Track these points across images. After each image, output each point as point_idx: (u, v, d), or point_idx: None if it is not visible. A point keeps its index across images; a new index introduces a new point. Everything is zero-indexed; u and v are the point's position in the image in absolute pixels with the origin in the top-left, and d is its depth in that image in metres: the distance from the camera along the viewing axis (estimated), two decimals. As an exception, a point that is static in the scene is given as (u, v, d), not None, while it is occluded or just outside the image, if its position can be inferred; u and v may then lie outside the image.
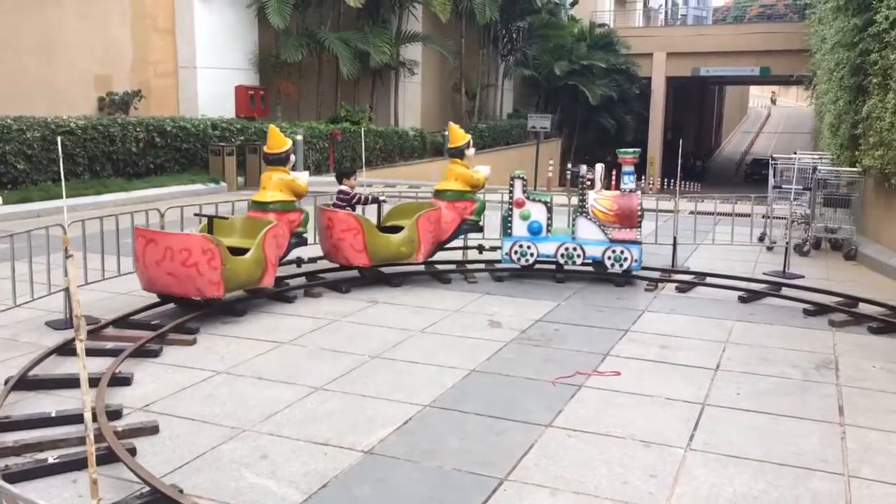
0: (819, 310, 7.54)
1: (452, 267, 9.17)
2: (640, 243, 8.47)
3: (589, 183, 8.83)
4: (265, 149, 8.40)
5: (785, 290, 8.35)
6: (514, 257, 8.75)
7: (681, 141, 11.70)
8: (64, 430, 4.41)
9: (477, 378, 5.59)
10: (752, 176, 41.16)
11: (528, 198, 8.72)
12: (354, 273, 8.77)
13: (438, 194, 9.00)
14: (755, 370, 5.84)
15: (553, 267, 8.95)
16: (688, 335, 6.76)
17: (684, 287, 8.51)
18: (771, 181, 12.04)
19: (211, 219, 7.58)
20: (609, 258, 8.49)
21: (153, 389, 5.22)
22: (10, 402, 4.81)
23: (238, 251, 7.09)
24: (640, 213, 8.50)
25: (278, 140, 8.16)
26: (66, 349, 5.70)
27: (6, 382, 5.03)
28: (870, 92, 10.44)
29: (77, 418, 4.39)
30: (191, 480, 3.95)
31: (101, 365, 5.44)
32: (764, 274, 9.29)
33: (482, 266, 9.20)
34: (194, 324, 6.63)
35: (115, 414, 4.67)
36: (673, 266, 9.45)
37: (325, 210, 8.31)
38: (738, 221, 11.61)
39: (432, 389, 5.29)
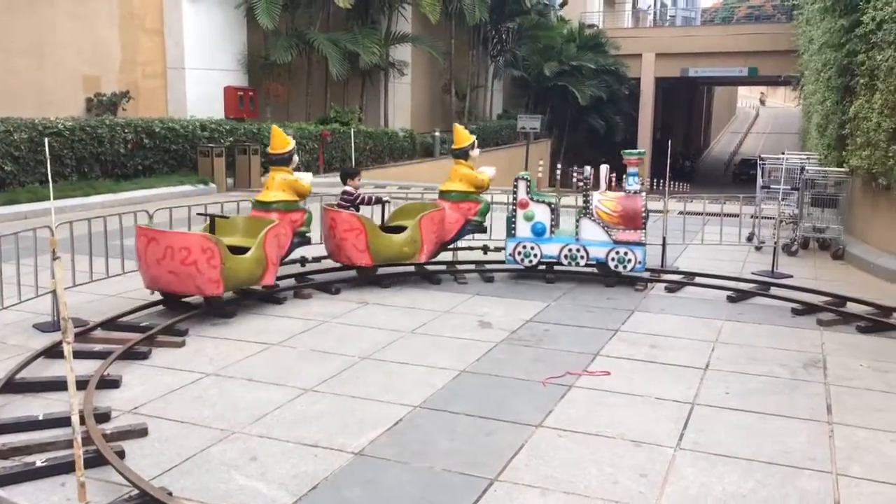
0: (807, 309, 7.58)
1: (443, 268, 9.17)
2: (643, 244, 8.47)
3: (582, 184, 8.85)
4: (269, 149, 8.48)
5: (773, 290, 8.39)
6: (518, 258, 8.76)
7: (669, 141, 11.75)
8: (52, 434, 4.38)
9: (467, 379, 5.59)
10: (739, 176, 41.37)
11: (532, 199, 8.72)
12: (344, 274, 8.78)
13: (443, 195, 9.03)
14: (744, 369, 5.87)
15: (542, 267, 8.96)
16: (677, 335, 6.79)
17: (674, 287, 8.54)
18: (759, 181, 12.10)
19: (213, 218, 7.63)
20: (613, 259, 8.48)
21: (142, 392, 5.20)
22: (-3, 405, 4.78)
23: (240, 250, 7.16)
24: (644, 214, 8.49)
25: (281, 140, 8.23)
26: (53, 351, 5.66)
27: (-7, 385, 5.00)
28: (857, 92, 10.50)
29: (65, 421, 4.36)
30: (180, 483, 3.94)
31: (89, 367, 5.40)
32: (752, 274, 9.34)
33: (472, 266, 9.21)
34: (183, 325, 6.61)
35: (103, 416, 4.65)
36: (662, 266, 9.48)
37: (329, 210, 8.34)
38: (727, 221, 11.67)
39: (422, 390, 5.29)
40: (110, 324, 6.53)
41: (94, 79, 19.78)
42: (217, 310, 7.07)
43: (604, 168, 9.09)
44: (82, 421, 4.24)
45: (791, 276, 9.26)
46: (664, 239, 9.74)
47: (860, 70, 10.26)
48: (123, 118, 17.84)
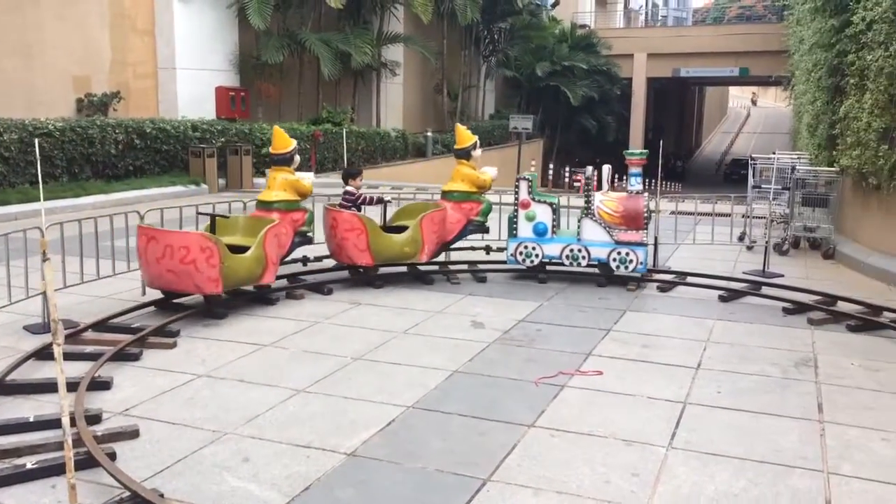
0: (798, 308, 7.61)
1: (435, 268, 9.17)
2: (645, 245, 8.46)
3: (582, 184, 8.87)
4: (270, 149, 8.55)
5: (765, 289, 8.43)
6: (520, 258, 8.77)
7: (661, 141, 11.78)
8: (42, 435, 4.37)
9: (460, 379, 5.59)
10: (731, 176, 41.50)
11: (533, 199, 8.72)
12: (336, 274, 8.78)
13: (445, 195, 9.05)
14: (736, 369, 5.89)
15: (532, 267, 8.97)
16: (669, 334, 6.80)
17: (665, 286, 8.56)
18: (750, 181, 12.14)
19: (213, 217, 7.69)
20: (614, 260, 8.48)
21: (133, 393, 5.18)
22: (-13, 407, 4.76)
23: (241, 249, 7.23)
24: (646, 214, 8.49)
25: (283, 141, 8.32)
26: (44, 353, 5.64)
27: (-17, 387, 4.97)
28: (847, 92, 10.55)
29: (55, 423, 4.34)
30: (171, 485, 3.92)
31: (80, 369, 5.38)
32: (744, 273, 9.37)
33: (465, 267, 9.21)
34: (175, 327, 6.59)
35: (94, 418, 4.63)
36: (654, 266, 9.50)
37: (330, 210, 8.38)
38: (719, 221, 11.70)
39: (415, 391, 5.29)
40: (101, 325, 6.50)
41: (84, 79, 19.69)
42: (217, 307, 7.13)
43: (606, 168, 9.10)
44: (73, 423, 4.22)
45: (782, 276, 9.29)
46: (656, 239, 9.76)
47: (850, 70, 10.31)
48: (114, 119, 17.76)
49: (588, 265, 8.65)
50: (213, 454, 4.29)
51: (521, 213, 8.72)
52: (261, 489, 3.91)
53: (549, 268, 8.87)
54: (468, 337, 6.62)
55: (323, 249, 8.88)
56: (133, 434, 4.46)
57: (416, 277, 8.81)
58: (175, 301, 7.36)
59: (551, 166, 35.70)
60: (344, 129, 19.65)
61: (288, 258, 8.49)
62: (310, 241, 8.58)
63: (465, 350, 6.22)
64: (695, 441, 4.54)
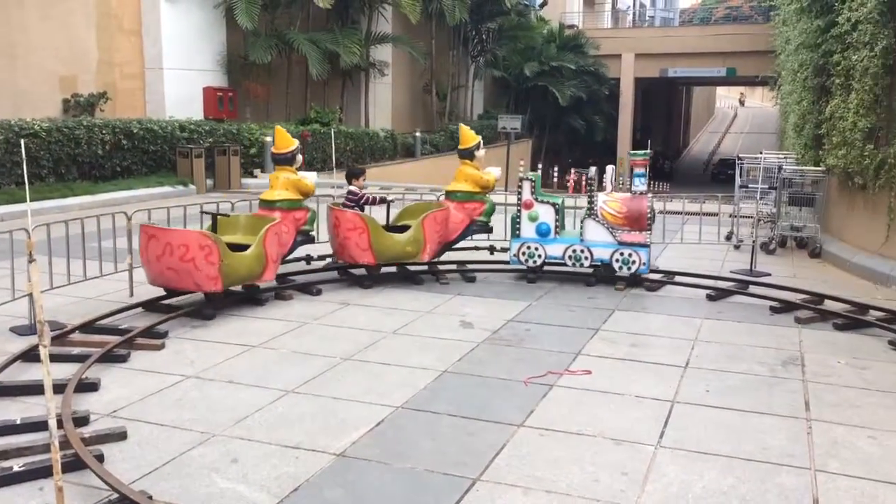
0: (785, 307, 7.66)
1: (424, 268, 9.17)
2: (648, 246, 8.45)
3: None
4: (272, 149, 8.64)
5: (752, 288, 8.48)
6: (522, 258, 8.77)
7: (649, 141, 11.82)
8: (29, 438, 4.34)
9: (449, 379, 5.59)
10: (718, 176, 41.65)
11: (536, 199, 8.72)
12: (326, 275, 8.77)
13: (449, 195, 9.06)
14: (724, 367, 5.92)
15: (524, 267, 8.99)
16: (657, 333, 6.83)
17: (654, 286, 8.59)
18: (738, 181, 12.21)
19: (215, 216, 7.76)
20: (617, 261, 8.47)
21: (121, 395, 5.15)
22: (-27, 409, 4.72)
23: (243, 248, 7.32)
24: (649, 215, 8.47)
25: (285, 140, 8.41)
26: (30, 355, 5.60)
27: (-31, 390, 4.93)
28: (832, 92, 10.62)
29: (42, 425, 4.31)
30: (160, 486, 3.91)
31: (67, 371, 5.35)
32: (731, 272, 9.41)
33: (454, 267, 9.21)
34: (163, 328, 6.56)
35: (81, 420, 4.60)
36: (642, 265, 9.53)
37: (333, 209, 8.43)
38: (706, 220, 11.76)
39: (404, 391, 5.28)
40: (88, 326, 6.46)
41: (70, 79, 19.56)
42: (217, 304, 7.20)
43: (609, 169, 9.11)
44: (60, 425, 4.20)
45: (769, 275, 9.35)
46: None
47: (836, 70, 10.38)
48: (101, 119, 17.65)
49: (591, 266, 8.64)
50: (202, 455, 4.27)
51: (524, 213, 8.73)
52: (250, 490, 3.90)
53: (542, 268, 8.87)
54: (457, 337, 6.62)
55: (326, 248, 8.93)
56: (121, 436, 4.44)
57: (405, 277, 8.81)
58: (163, 302, 7.34)
59: (540, 166, 35.68)
60: (332, 130, 19.63)
61: (290, 256, 8.55)
62: (312, 240, 8.66)
63: (454, 350, 6.22)
64: (683, 439, 4.56)
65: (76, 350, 5.89)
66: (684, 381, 5.58)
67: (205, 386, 5.36)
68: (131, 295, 7.74)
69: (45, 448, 4.04)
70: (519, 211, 8.77)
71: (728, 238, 11.70)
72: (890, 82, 9.37)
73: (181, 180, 17.84)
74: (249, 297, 7.66)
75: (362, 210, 8.60)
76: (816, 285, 8.69)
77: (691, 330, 6.96)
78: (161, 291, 7.57)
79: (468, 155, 9.05)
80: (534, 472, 4.13)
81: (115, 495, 3.69)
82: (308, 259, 9.26)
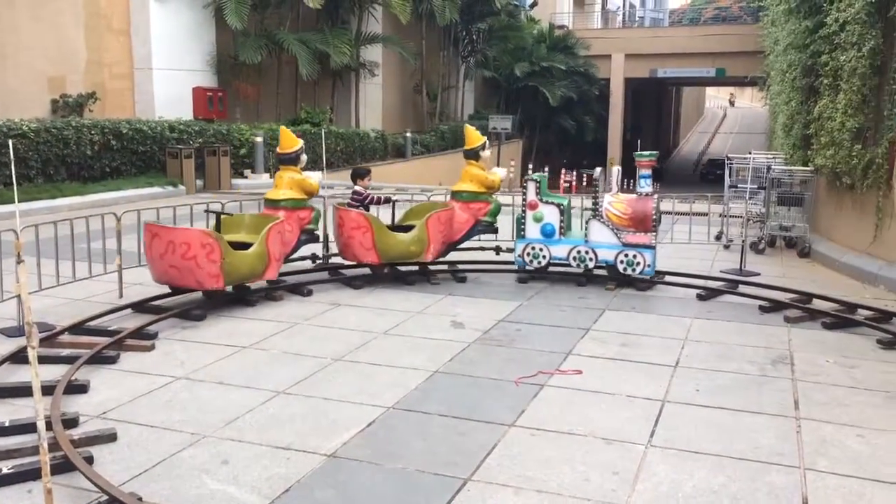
0: (774, 306, 7.70)
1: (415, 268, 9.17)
2: (653, 247, 8.43)
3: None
4: (277, 149, 8.70)
5: (742, 288, 8.51)
6: (527, 259, 8.77)
7: (639, 142, 11.85)
8: (18, 440, 4.32)
9: (440, 379, 5.59)
10: (707, 176, 41.79)
11: (541, 200, 8.72)
12: (316, 276, 8.76)
13: (454, 195, 9.08)
14: (714, 366, 5.94)
15: (515, 267, 9.00)
16: (648, 333, 6.85)
17: (644, 286, 8.61)
18: (727, 181, 12.26)
19: (218, 215, 7.85)
20: (622, 262, 8.45)
21: (111, 396, 5.13)
22: (-39, 412, 4.69)
23: (247, 246, 7.43)
24: (655, 217, 8.45)
25: (289, 140, 8.46)
26: (19, 357, 5.57)
27: (-43, 392, 4.90)
28: (821, 93, 10.68)
29: (31, 427, 4.29)
30: (150, 488, 3.89)
31: (56, 372, 5.33)
32: (721, 272, 9.45)
33: (445, 267, 9.22)
34: (153, 329, 6.53)
35: (71, 422, 4.58)
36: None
37: (338, 209, 8.48)
38: (696, 220, 11.80)
39: (395, 391, 5.28)
40: (78, 328, 6.43)
41: (59, 80, 19.45)
42: (219, 301, 7.32)
43: (615, 170, 9.10)
44: (49, 427, 4.18)
45: (759, 274, 9.39)
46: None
47: (824, 71, 10.44)
48: (90, 119, 17.56)
49: (596, 267, 8.63)
50: (192, 457, 4.26)
51: (529, 213, 8.73)
52: (240, 491, 3.89)
53: (547, 269, 8.84)
54: (448, 337, 6.63)
55: (332, 248, 8.98)
56: (111, 437, 4.42)
57: (395, 278, 8.80)
58: (153, 303, 7.31)
59: (531, 166, 35.74)
60: (323, 130, 19.57)
61: (293, 256, 8.59)
62: (316, 239, 8.72)
63: (445, 350, 6.23)
64: (674, 439, 4.58)
65: (65, 352, 5.86)
66: (675, 381, 5.60)
67: (195, 387, 5.35)
68: (121, 296, 7.71)
69: (34, 450, 4.02)
70: (524, 211, 8.77)
71: (718, 238, 11.75)
72: (878, 83, 9.43)
73: (171, 181, 17.77)
74: (240, 297, 7.64)
75: (367, 210, 8.64)
76: (805, 285, 8.74)
77: (681, 329, 6.98)
78: (150, 292, 7.56)
79: (473, 155, 9.07)
80: (525, 471, 4.14)
81: (105, 497, 3.67)
82: (314, 258, 9.33)
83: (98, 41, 20.51)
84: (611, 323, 7.17)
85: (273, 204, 8.28)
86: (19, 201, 7.93)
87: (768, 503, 3.85)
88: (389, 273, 8.87)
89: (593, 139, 39.14)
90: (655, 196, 8.62)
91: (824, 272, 9.88)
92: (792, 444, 4.53)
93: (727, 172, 12.30)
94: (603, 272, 8.71)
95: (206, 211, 8.25)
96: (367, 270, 8.89)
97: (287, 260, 8.40)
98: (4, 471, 3.92)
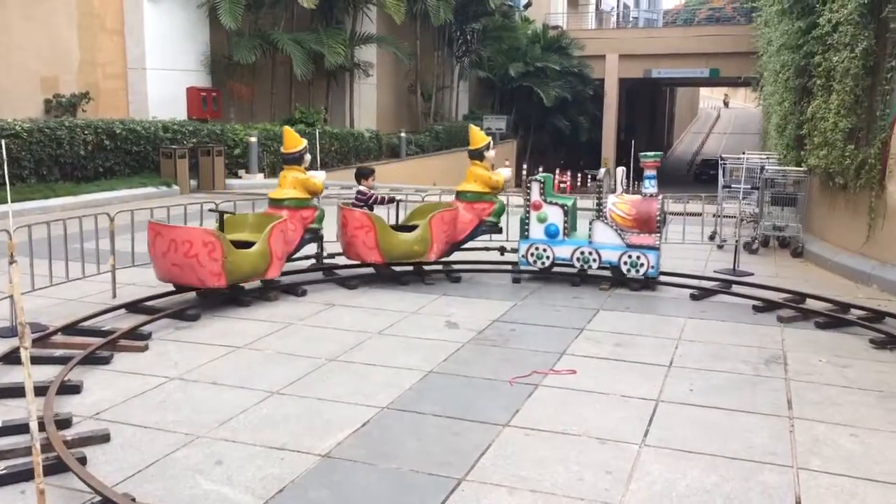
0: (768, 306, 7.72)
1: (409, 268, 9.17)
2: (657, 248, 8.40)
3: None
4: (282, 149, 8.76)
5: (735, 288, 8.53)
6: (531, 260, 8.76)
7: (633, 142, 11.87)
8: (11, 441, 4.30)
9: (434, 379, 5.59)
10: (701, 176, 41.88)
11: (545, 200, 8.71)
12: (311, 276, 8.75)
13: (459, 195, 9.08)
14: (707, 366, 5.95)
15: (509, 267, 9.00)
16: (642, 333, 6.86)
17: (638, 286, 8.62)
18: (721, 181, 12.29)
19: (222, 214, 7.92)
20: (625, 263, 8.43)
21: (104, 397, 5.12)
22: (-47, 413, 4.67)
23: (249, 245, 7.53)
24: (659, 217, 8.42)
25: (293, 140, 8.50)
26: (12, 357, 5.54)
27: (-51, 393, 4.88)
28: (814, 93, 10.71)
29: (24, 428, 4.27)
30: (143, 488, 3.88)
31: (49, 373, 5.31)
32: (715, 272, 9.48)
33: (440, 267, 9.22)
34: (146, 329, 6.52)
35: (64, 423, 4.56)
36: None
37: (342, 208, 8.52)
38: (690, 220, 11.82)
39: (390, 391, 5.28)
40: (71, 328, 6.41)
41: (52, 79, 19.39)
42: (212, 302, 7.39)
43: (620, 170, 9.10)
44: (42, 427, 4.17)
45: (752, 274, 9.41)
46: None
47: (817, 71, 10.47)
48: (83, 119, 17.51)
49: (599, 268, 8.61)
50: (186, 457, 4.25)
51: (533, 214, 8.72)
52: (234, 492, 3.88)
53: (551, 270, 8.83)
54: (443, 337, 6.63)
55: (336, 247, 8.98)
56: (104, 438, 4.41)
57: (390, 278, 8.80)
58: (147, 303, 7.30)
59: (525, 166, 35.78)
60: (317, 130, 19.56)
61: (296, 255, 8.62)
62: (321, 239, 8.74)
63: (439, 350, 6.23)
64: (667, 438, 4.59)
65: (58, 352, 5.84)
66: (668, 381, 5.61)
67: (189, 387, 5.34)
68: (114, 296, 7.69)
69: (27, 451, 4.01)
70: (528, 212, 8.78)
71: (711, 238, 11.78)
72: (870, 83, 9.47)
73: (164, 181, 17.74)
74: (233, 297, 7.63)
75: (371, 209, 8.65)
76: (798, 284, 8.77)
77: (675, 329, 7.00)
78: (143, 292, 7.56)
79: (478, 155, 9.07)
80: (519, 471, 4.14)
81: (98, 498, 3.66)
82: (318, 256, 9.34)
83: (91, 41, 20.45)
84: (605, 323, 7.18)
85: (276, 203, 8.33)
86: (12, 201, 7.90)
87: (761, 502, 3.86)
88: (387, 273, 8.87)
89: (588, 139, 39.19)
90: (660, 197, 8.60)
91: (817, 272, 9.92)
92: (785, 444, 4.54)
93: (721, 173, 12.33)
94: (591, 271, 8.72)
95: (211, 210, 8.31)
96: (361, 270, 8.90)
97: (290, 259, 8.47)
98: (-3, 472, 3.91)
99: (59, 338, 6.20)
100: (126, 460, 4.20)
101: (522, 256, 8.81)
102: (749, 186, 11.43)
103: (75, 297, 7.69)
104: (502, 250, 9.77)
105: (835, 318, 7.23)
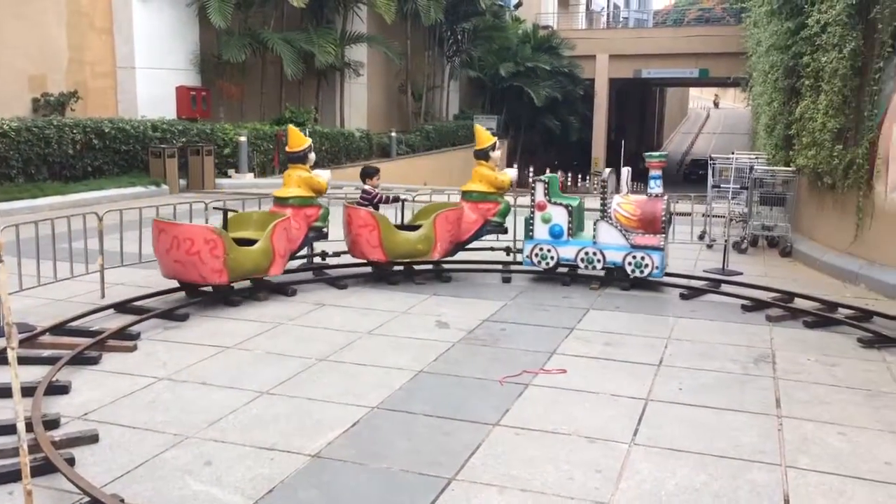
0: (757, 305, 7.76)
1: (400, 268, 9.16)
2: (662, 249, 8.37)
3: (601, 186, 8.84)
4: (286, 148, 8.83)
5: (724, 287, 8.57)
6: (535, 260, 8.76)
7: (623, 142, 11.90)
8: (-2, 442, 4.27)
9: (425, 379, 5.59)
10: (690, 176, 42.02)
11: (549, 201, 8.70)
12: (302, 276, 8.74)
13: (464, 195, 9.07)
14: (696, 365, 5.98)
15: (499, 266, 9.01)
16: (631, 332, 6.88)
17: (627, 285, 8.64)
18: (710, 181, 12.34)
19: (225, 212, 8.03)
20: (630, 264, 8.41)
21: (92, 397, 5.09)
22: (-60, 413, 4.64)
23: (253, 243, 7.59)
24: (664, 218, 8.39)
25: (298, 139, 8.59)
26: (-1, 358, 5.51)
27: (-64, 394, 4.85)
28: (802, 93, 10.76)
29: (11, 429, 4.23)
30: (132, 489, 3.87)
31: (37, 374, 5.28)
32: (704, 271, 9.51)
33: (430, 267, 9.21)
34: (135, 329, 6.49)
35: (52, 423, 4.54)
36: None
37: (347, 207, 8.58)
38: (679, 220, 11.86)
39: (380, 391, 5.28)
40: (59, 328, 6.37)
41: (40, 78, 19.28)
42: (224, 297, 7.50)
43: (625, 171, 9.10)
44: (30, 428, 4.15)
45: (741, 274, 9.45)
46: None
47: (805, 72, 10.52)
48: (72, 118, 17.41)
49: (603, 268, 8.61)
50: (175, 458, 4.24)
51: (538, 214, 8.71)
52: (224, 492, 3.87)
53: (556, 270, 8.84)
54: (433, 337, 6.62)
55: (341, 245, 9.02)
56: (92, 439, 4.39)
57: (380, 278, 8.79)
58: (135, 303, 7.27)
59: (515, 166, 35.84)
60: (307, 130, 19.51)
61: (299, 252, 8.67)
62: (324, 237, 8.77)
63: (430, 350, 6.22)
64: (657, 437, 4.60)
65: (46, 352, 5.81)
66: (658, 380, 5.63)
67: (178, 388, 5.32)
68: (103, 296, 7.65)
69: (14, 452, 3.98)
70: (532, 212, 8.78)
71: (701, 237, 11.82)
72: (858, 84, 9.52)
73: (154, 180, 17.66)
74: (222, 297, 7.61)
75: (377, 208, 8.67)
76: (787, 284, 8.81)
77: (665, 328, 7.02)
78: (132, 293, 7.54)
79: (483, 155, 9.05)
80: (509, 470, 4.14)
81: (87, 499, 3.64)
82: (323, 255, 9.34)
83: (80, 39, 20.34)
84: (595, 322, 7.20)
85: (281, 202, 8.42)
86: (0, 201, 7.85)
87: (750, 501, 3.88)
88: (373, 273, 8.86)
89: (578, 139, 39.26)
90: (665, 197, 8.57)
91: (806, 271, 9.97)
92: (773, 442, 4.56)
93: (710, 172, 12.38)
94: (583, 271, 8.74)
95: (216, 208, 8.37)
96: (351, 270, 8.91)
97: (294, 257, 8.57)
98: (-16, 473, 3.89)
99: (47, 338, 6.16)
100: (115, 461, 4.18)
101: (527, 257, 8.81)
102: (738, 186, 11.48)
103: (63, 297, 7.64)
104: (508, 250, 9.77)
105: (823, 318, 7.27)
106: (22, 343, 5.63)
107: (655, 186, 8.57)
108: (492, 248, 9.79)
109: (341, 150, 24.70)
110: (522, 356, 6.12)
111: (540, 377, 5.64)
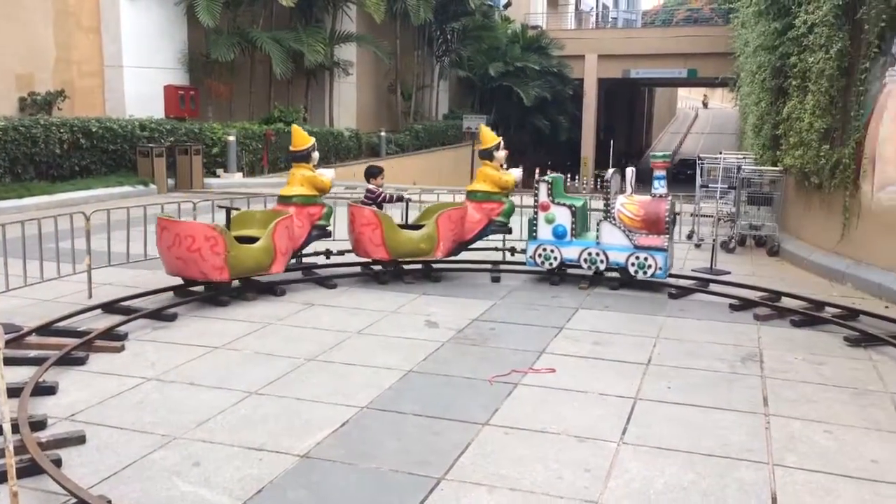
0: (744, 304, 7.79)
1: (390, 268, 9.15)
2: (665, 250, 8.34)
3: (604, 187, 8.85)
4: (290, 147, 8.85)
5: (712, 286, 8.61)
6: (538, 260, 8.75)
7: (612, 142, 11.93)
8: (-16, 443, 4.24)
9: (414, 378, 5.59)
10: (678, 175, 42.17)
11: (553, 201, 8.68)
12: (290, 275, 8.71)
13: (469, 195, 9.09)
14: (685, 364, 6.00)
15: (488, 266, 9.01)
16: (620, 331, 6.90)
17: (616, 285, 8.67)
18: (698, 180, 12.39)
19: (228, 210, 8.08)
20: (633, 265, 8.39)
21: (80, 398, 5.06)
22: (-75, 415, 4.60)
23: (256, 240, 7.77)
24: (668, 218, 8.38)
25: (301, 138, 8.61)
26: (-15, 359, 5.47)
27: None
28: (789, 94, 10.83)
29: (-2, 430, 4.22)
30: (119, 490, 3.85)
31: (24, 374, 5.24)
32: (692, 270, 9.55)
33: (419, 266, 9.21)
34: (122, 329, 6.45)
35: (38, 424, 4.51)
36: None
37: (351, 206, 8.62)
38: (668, 220, 11.88)
39: (369, 391, 5.27)
40: (45, 329, 6.33)
41: (27, 77, 19.14)
42: (223, 295, 7.56)
43: (630, 171, 9.11)
44: (16, 429, 4.11)
45: (729, 273, 9.50)
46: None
47: (793, 72, 10.58)
48: (59, 118, 17.30)
49: (607, 269, 8.59)
50: (163, 459, 4.22)
51: (541, 214, 8.70)
52: (212, 493, 3.86)
53: (558, 270, 8.84)
54: (422, 336, 6.62)
55: (345, 244, 9.04)
56: (79, 440, 4.37)
57: (370, 277, 8.78)
58: (123, 303, 7.23)
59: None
60: (296, 129, 19.41)
61: (302, 250, 8.69)
62: (328, 235, 8.79)
63: (419, 350, 6.22)
64: (645, 436, 4.62)
65: (33, 353, 5.77)
66: (646, 379, 5.65)
67: (166, 388, 5.29)
68: (90, 297, 7.61)
69: (0, 453, 3.96)
70: (536, 212, 8.78)
71: (689, 237, 11.87)
72: (845, 84, 9.58)
73: (142, 180, 17.57)
74: (211, 297, 7.58)
75: (380, 208, 8.69)
76: (774, 283, 8.86)
77: (653, 328, 7.04)
78: (120, 293, 7.51)
79: (487, 155, 9.07)
80: (498, 470, 4.15)
81: (74, 500, 3.63)
82: (328, 254, 9.33)
83: (67, 38, 20.22)
84: (584, 322, 7.21)
85: (285, 200, 8.46)
86: (-14, 200, 7.81)
87: (738, 499, 3.90)
88: (362, 273, 8.85)
89: (567, 139, 39.32)
90: (669, 198, 8.56)
91: (793, 271, 10.02)
92: (761, 441, 4.59)
93: (698, 172, 12.42)
94: (574, 271, 8.75)
95: (220, 206, 8.39)
96: (340, 269, 8.90)
97: (297, 255, 8.61)
98: (-30, 474, 3.85)
99: (33, 338, 6.12)
100: (102, 462, 4.16)
101: (530, 257, 8.81)
102: (726, 186, 11.53)
103: (50, 297, 7.60)
104: (513, 251, 9.77)
105: (810, 317, 7.32)
106: (8, 343, 5.59)
107: (659, 187, 8.55)
108: (496, 248, 9.78)
109: (330, 149, 24.65)
110: (512, 355, 6.13)
111: (529, 376, 5.65)
